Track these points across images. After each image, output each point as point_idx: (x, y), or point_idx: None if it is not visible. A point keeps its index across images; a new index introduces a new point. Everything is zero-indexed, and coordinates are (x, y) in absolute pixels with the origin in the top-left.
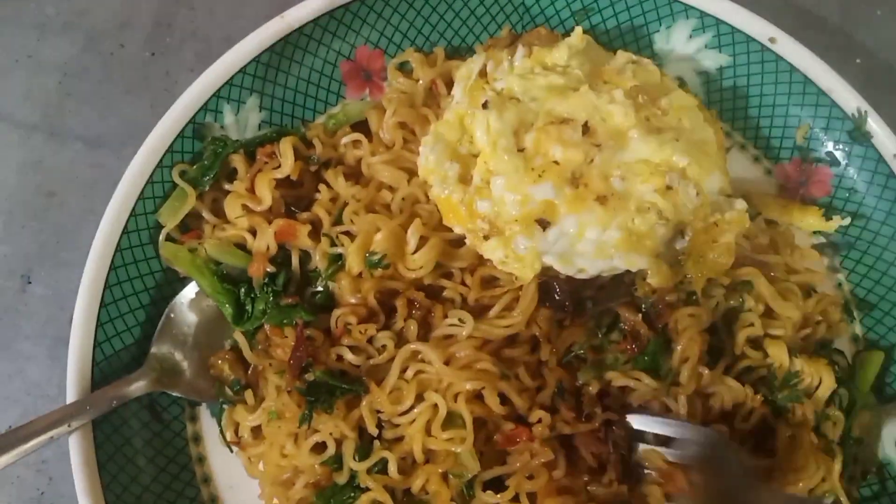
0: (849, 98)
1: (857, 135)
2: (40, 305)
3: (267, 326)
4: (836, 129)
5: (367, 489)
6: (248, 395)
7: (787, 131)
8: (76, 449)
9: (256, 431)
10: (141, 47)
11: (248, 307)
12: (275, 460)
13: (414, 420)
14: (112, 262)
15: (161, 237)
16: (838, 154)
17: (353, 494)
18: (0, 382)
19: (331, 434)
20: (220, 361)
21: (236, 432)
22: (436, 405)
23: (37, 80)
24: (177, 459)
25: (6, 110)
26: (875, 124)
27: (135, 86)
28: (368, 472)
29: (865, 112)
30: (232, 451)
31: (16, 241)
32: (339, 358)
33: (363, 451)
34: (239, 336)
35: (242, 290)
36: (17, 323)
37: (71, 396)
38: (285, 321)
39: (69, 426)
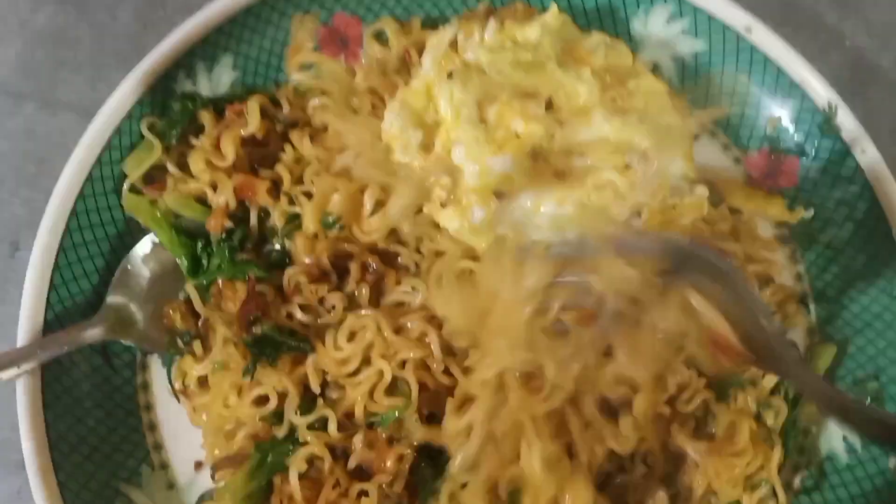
0: (820, 90)
1: (827, 128)
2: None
3: (220, 280)
4: (807, 122)
5: (306, 443)
6: (197, 345)
7: (757, 121)
8: (23, 388)
9: (202, 382)
10: (133, 19)
11: (204, 261)
12: (218, 410)
13: (359, 384)
14: (74, 207)
15: (124, 187)
16: (807, 146)
17: (291, 448)
18: None
19: (274, 388)
20: (172, 311)
21: (184, 382)
22: (381, 371)
23: (29, 50)
24: (124, 405)
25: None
26: (846, 118)
27: (126, 57)
28: (309, 427)
29: (836, 106)
30: (178, 401)
31: (5, 207)
32: (290, 316)
33: (305, 407)
34: (191, 288)
35: (200, 244)
36: (6, 289)
37: (23, 338)
38: (238, 276)
39: (19, 367)
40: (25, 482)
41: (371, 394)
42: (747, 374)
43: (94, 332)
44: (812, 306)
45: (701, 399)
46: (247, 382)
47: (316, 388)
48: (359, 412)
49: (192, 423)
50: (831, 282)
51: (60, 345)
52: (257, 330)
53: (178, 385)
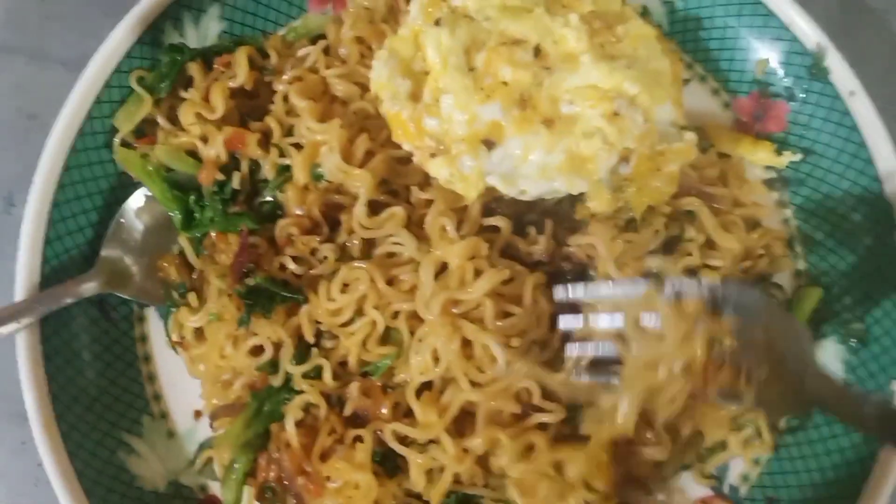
0: (809, 32)
1: (816, 70)
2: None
3: (213, 233)
4: (796, 64)
5: (302, 392)
6: (192, 297)
7: (747, 64)
8: (23, 342)
9: (199, 333)
10: None
11: (197, 214)
12: (214, 361)
13: (352, 334)
14: (66, 162)
15: (116, 141)
16: (796, 90)
17: (287, 396)
18: None
19: (268, 338)
20: (166, 264)
21: (181, 334)
22: (374, 321)
23: (16, 3)
24: (123, 357)
25: None
26: (834, 60)
27: (114, 9)
28: (304, 376)
29: (825, 48)
30: (176, 352)
31: None
32: (283, 267)
33: (300, 357)
34: (184, 241)
35: (192, 198)
36: (2, 245)
37: (20, 293)
38: (231, 228)
39: (18, 322)
40: (29, 434)
41: (364, 343)
42: None
43: (90, 286)
44: (799, 249)
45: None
46: (242, 333)
47: (310, 338)
48: (353, 361)
49: (191, 374)
50: (818, 225)
51: (58, 299)
52: (250, 281)
53: (175, 337)
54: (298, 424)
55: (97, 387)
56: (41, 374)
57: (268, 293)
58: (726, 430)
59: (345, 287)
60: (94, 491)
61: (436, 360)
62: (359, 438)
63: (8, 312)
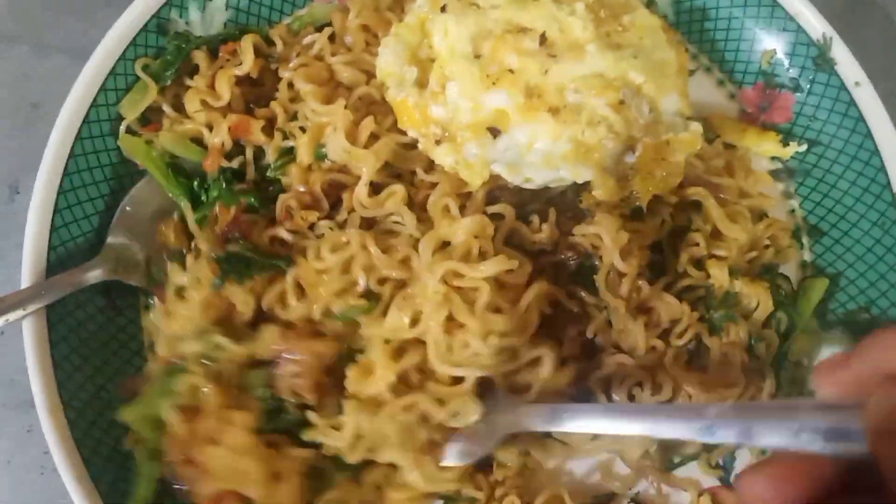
0: (815, 23)
1: (822, 61)
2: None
3: (217, 205)
4: (801, 55)
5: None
6: (190, 258)
7: (752, 55)
8: (29, 329)
9: (180, 293)
10: None
11: (203, 198)
12: (180, 322)
13: (332, 283)
14: (72, 150)
15: (121, 128)
16: (802, 81)
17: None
18: None
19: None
20: (165, 228)
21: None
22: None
23: None
24: (129, 345)
25: None
26: (840, 51)
27: None
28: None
29: (831, 38)
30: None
31: (2, 151)
32: (273, 240)
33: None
34: (186, 206)
35: (196, 183)
36: (6, 232)
37: (26, 280)
38: (234, 201)
39: (24, 309)
40: (35, 420)
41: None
42: (739, 307)
43: (96, 273)
44: (805, 240)
45: (693, 332)
46: (214, 298)
47: (292, 301)
48: (318, 311)
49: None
50: (824, 216)
51: (64, 286)
52: (232, 247)
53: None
54: (186, 409)
55: (104, 374)
56: (48, 362)
57: (245, 260)
58: None
59: (335, 248)
60: (102, 479)
61: (414, 322)
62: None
63: (14, 300)
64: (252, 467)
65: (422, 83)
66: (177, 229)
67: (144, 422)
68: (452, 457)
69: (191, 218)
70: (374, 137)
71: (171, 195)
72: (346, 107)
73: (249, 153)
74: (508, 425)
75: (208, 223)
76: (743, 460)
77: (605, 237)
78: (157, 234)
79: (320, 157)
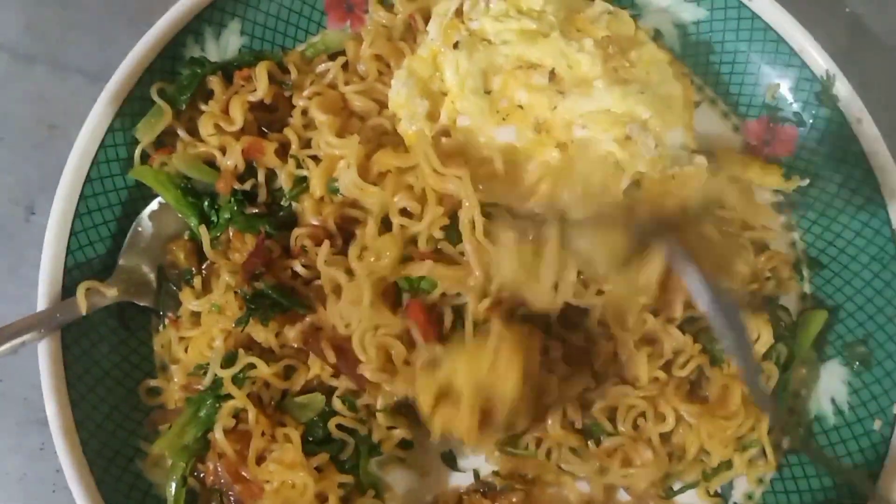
0: (819, 59)
1: (825, 97)
2: (44, 234)
3: (231, 230)
4: (805, 90)
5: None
6: (198, 280)
7: (756, 89)
8: (44, 350)
9: (195, 318)
10: None
11: (214, 218)
12: (200, 349)
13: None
14: (88, 174)
15: (136, 152)
16: (805, 115)
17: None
18: (8, 305)
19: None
20: (175, 248)
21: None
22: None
23: (38, 12)
24: (141, 366)
25: (7, 42)
26: (843, 88)
27: (135, 19)
28: (233, 381)
29: (834, 75)
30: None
31: (19, 171)
32: (294, 275)
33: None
34: (203, 230)
35: (206, 202)
36: (23, 251)
37: (42, 302)
38: (250, 229)
39: (40, 332)
40: (48, 438)
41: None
42: None
43: (109, 295)
44: (805, 272)
45: (695, 364)
46: (236, 331)
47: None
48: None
49: (171, 355)
50: (825, 249)
51: (77, 308)
52: (259, 285)
53: (171, 316)
54: (231, 431)
55: (116, 395)
56: (62, 382)
57: (271, 301)
58: (731, 449)
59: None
60: (112, 498)
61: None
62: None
63: (30, 322)
64: (303, 480)
65: (432, 116)
66: (187, 250)
67: (176, 450)
68: None
69: (206, 241)
70: (382, 174)
71: (182, 216)
72: (359, 140)
73: (262, 176)
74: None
75: (221, 246)
76: (741, 488)
77: None
78: (168, 254)
79: (333, 190)
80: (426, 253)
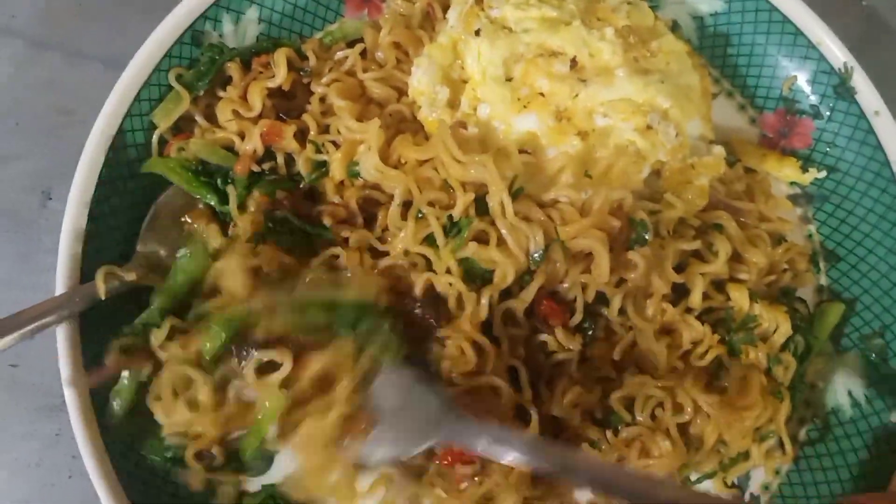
0: (837, 52)
1: (842, 90)
2: (60, 220)
3: (256, 192)
4: (822, 83)
5: None
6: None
7: (774, 81)
8: (63, 334)
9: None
10: None
11: (230, 193)
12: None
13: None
14: (106, 159)
15: (154, 138)
16: (822, 107)
17: None
18: (23, 291)
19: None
20: (193, 218)
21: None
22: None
23: (53, 1)
24: None
25: (23, 29)
26: (860, 80)
27: (150, 6)
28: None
29: (852, 67)
30: None
31: (36, 157)
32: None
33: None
34: (230, 189)
35: (219, 179)
36: (39, 237)
37: (60, 287)
38: (277, 187)
39: (59, 316)
40: (64, 425)
41: None
42: (758, 330)
43: (128, 279)
44: (822, 264)
45: (714, 354)
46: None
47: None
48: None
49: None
50: (841, 241)
51: (97, 293)
52: (280, 212)
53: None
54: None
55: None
56: (80, 368)
57: (290, 227)
58: (749, 440)
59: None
60: (131, 484)
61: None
62: None
63: (49, 306)
64: None
65: (452, 103)
66: (207, 217)
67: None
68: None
69: (233, 201)
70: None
71: (197, 196)
72: (379, 124)
73: (280, 159)
74: (444, 435)
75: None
76: (757, 479)
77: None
78: (185, 225)
79: (353, 174)
80: None
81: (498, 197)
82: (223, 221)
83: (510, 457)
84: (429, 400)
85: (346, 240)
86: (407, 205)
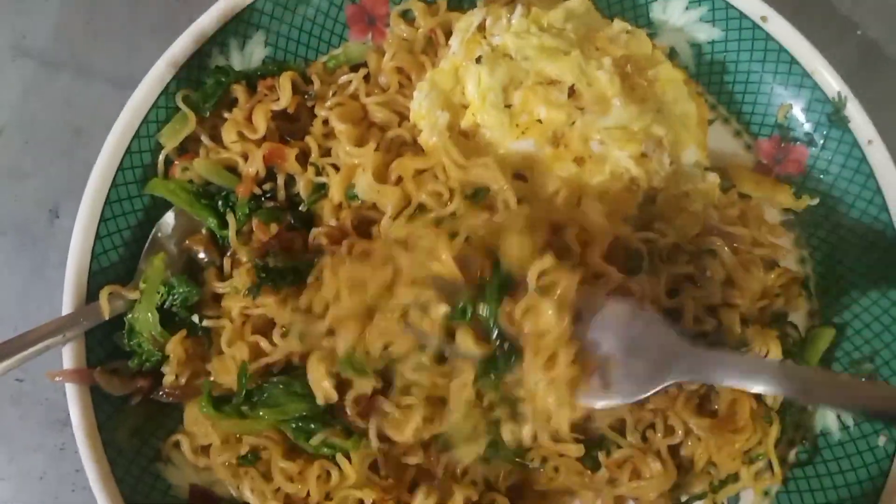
0: (831, 81)
1: (836, 118)
2: (67, 237)
3: (255, 221)
4: (817, 111)
5: None
6: (227, 262)
7: (769, 108)
8: (69, 353)
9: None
10: None
11: (230, 217)
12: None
13: None
14: (114, 179)
15: (160, 158)
16: (816, 135)
17: None
18: (32, 305)
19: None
20: (194, 242)
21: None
22: None
23: (65, 20)
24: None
25: (36, 48)
26: (854, 109)
27: (160, 27)
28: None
29: (846, 97)
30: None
31: (45, 175)
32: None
33: None
34: (230, 217)
35: (220, 201)
36: (47, 253)
37: (68, 306)
38: (274, 220)
39: (64, 336)
40: (68, 438)
41: None
42: (750, 354)
43: (131, 298)
44: (814, 290)
45: None
46: (252, 306)
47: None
48: None
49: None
50: (833, 267)
51: (100, 313)
52: (270, 260)
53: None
54: None
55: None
56: (86, 385)
57: (280, 272)
58: (739, 462)
59: None
60: (133, 498)
61: None
62: None
63: (55, 326)
64: None
65: (452, 128)
66: (206, 242)
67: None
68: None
69: (233, 229)
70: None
71: (198, 219)
72: (377, 148)
73: (281, 180)
74: (680, 373)
75: (243, 237)
76: (747, 500)
77: None
78: (187, 250)
79: (351, 196)
80: None
81: (502, 196)
82: (222, 246)
83: (760, 386)
84: (658, 332)
85: None
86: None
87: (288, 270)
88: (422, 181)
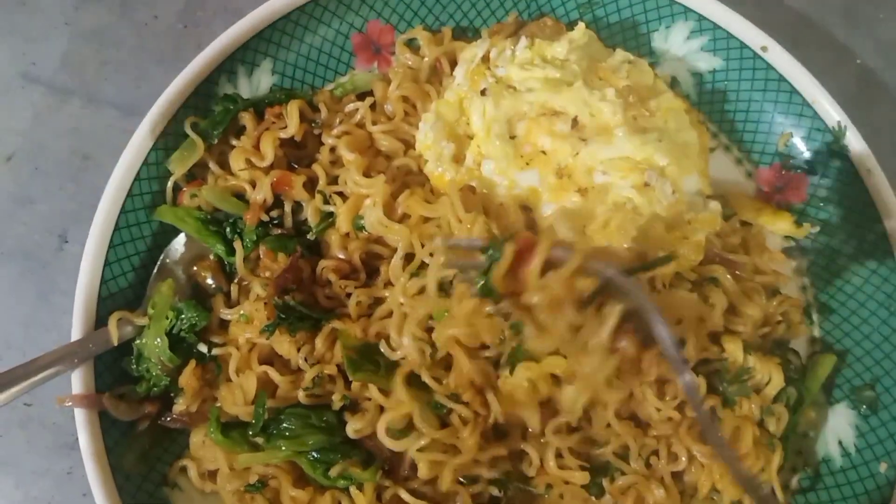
0: (831, 111)
1: (836, 147)
2: (75, 262)
3: (262, 248)
4: (817, 140)
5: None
6: (234, 289)
7: (770, 137)
8: (78, 379)
9: (223, 325)
10: (174, 19)
11: (237, 244)
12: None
13: None
14: (123, 205)
15: (168, 185)
16: (817, 164)
17: None
18: (39, 330)
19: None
20: (202, 269)
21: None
22: None
23: (74, 48)
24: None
25: (45, 75)
26: (853, 139)
27: (167, 56)
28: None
29: (845, 126)
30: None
31: (54, 201)
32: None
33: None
34: (237, 244)
35: (227, 228)
36: (55, 278)
37: (77, 332)
38: (282, 249)
39: (73, 362)
40: (76, 463)
41: None
42: (752, 382)
43: (139, 324)
44: (815, 317)
45: (708, 405)
46: (260, 341)
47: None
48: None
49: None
50: (834, 294)
51: (111, 338)
52: (289, 298)
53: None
54: None
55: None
56: (94, 411)
57: (299, 315)
58: (742, 489)
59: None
60: None
61: None
62: None
63: (64, 352)
64: None
65: (458, 158)
66: (214, 269)
67: None
68: None
69: (240, 258)
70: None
71: (206, 245)
72: (385, 179)
73: (288, 207)
74: None
75: (251, 264)
76: None
77: None
78: (195, 277)
79: (358, 227)
80: None
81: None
82: (230, 272)
83: None
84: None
85: (349, 295)
86: (409, 257)
87: (307, 317)
88: (426, 231)
